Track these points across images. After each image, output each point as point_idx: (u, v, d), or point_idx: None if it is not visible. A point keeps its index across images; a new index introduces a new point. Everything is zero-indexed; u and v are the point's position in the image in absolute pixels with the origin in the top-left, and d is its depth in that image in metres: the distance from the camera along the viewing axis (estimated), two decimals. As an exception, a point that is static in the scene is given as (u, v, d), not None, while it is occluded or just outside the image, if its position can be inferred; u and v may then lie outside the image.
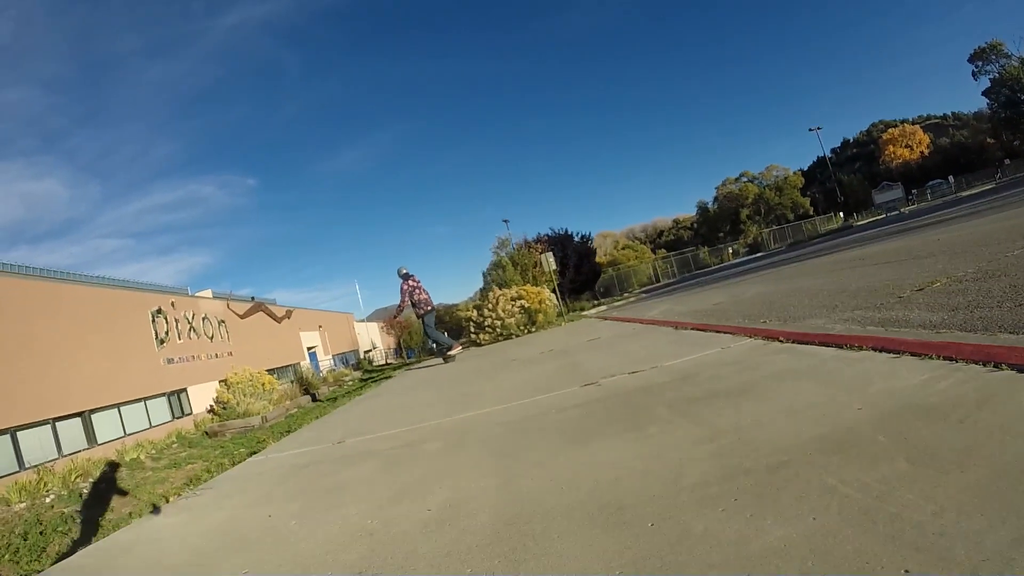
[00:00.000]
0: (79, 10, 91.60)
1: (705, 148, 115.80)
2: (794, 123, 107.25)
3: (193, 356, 18.52)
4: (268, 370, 23.08)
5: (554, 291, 16.52)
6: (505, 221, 38.82)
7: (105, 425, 14.47)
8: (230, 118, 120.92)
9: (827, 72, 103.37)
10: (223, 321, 20.82)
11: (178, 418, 17.02)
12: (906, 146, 68.81)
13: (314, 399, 17.12)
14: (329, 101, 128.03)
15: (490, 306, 14.86)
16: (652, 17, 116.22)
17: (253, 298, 24.46)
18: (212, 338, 19.92)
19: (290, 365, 26.40)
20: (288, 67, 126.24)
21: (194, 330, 18.92)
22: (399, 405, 6.83)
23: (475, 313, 15.03)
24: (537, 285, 16.20)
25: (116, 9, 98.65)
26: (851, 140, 78.49)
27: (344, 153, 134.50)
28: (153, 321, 17.05)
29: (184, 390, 17.66)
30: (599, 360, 5.70)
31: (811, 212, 63.56)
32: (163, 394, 16.71)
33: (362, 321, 44.22)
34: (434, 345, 12.88)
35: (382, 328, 47.20)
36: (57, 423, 13.16)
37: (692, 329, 6.06)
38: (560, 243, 24.58)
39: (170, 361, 17.32)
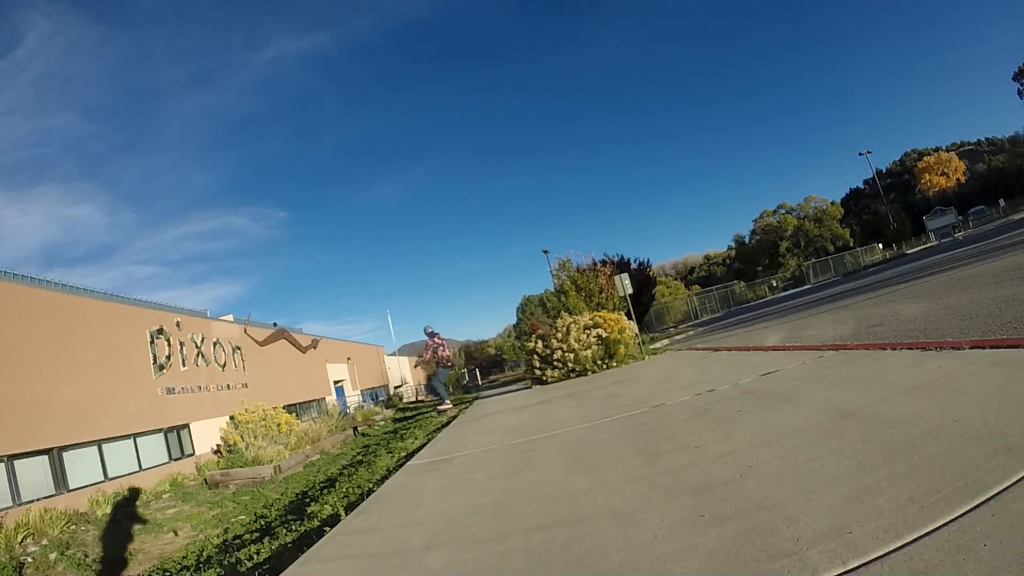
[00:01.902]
0: (122, 41, 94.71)
1: (736, 183, 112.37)
2: (820, 156, 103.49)
3: (200, 386, 15.82)
4: (289, 406, 20.34)
5: (629, 318, 13.39)
6: (545, 251, 35.79)
7: (81, 466, 11.71)
8: (265, 150, 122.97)
9: (857, 103, 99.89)
10: (239, 348, 18.21)
11: (177, 459, 14.20)
12: (942, 174, 66.92)
13: (355, 432, 14.15)
14: (364, 135, 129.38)
15: (559, 336, 11.83)
16: (675, 56, 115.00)
17: (276, 324, 21.93)
18: (224, 366, 17.26)
19: (314, 400, 23.60)
20: (324, 101, 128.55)
21: (203, 356, 16.28)
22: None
23: (539, 344, 12.00)
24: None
25: (158, 41, 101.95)
26: (884, 170, 76.37)
27: (377, 187, 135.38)
28: (152, 342, 14.46)
29: (186, 426, 14.90)
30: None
31: (851, 243, 60.51)
32: (159, 430, 13.97)
33: (393, 355, 41.46)
34: (436, 390, 13.45)
35: (413, 364, 44.27)
36: (15, 460, 10.47)
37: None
38: (619, 269, 21.41)
39: (170, 391, 14.63)
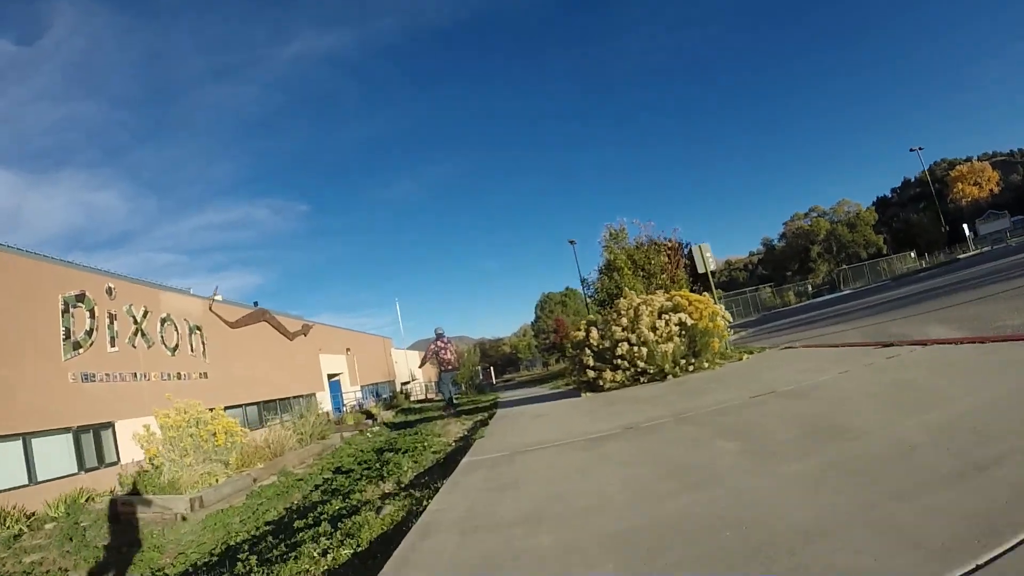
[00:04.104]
0: (149, 32, 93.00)
1: (753, 190, 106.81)
2: (841, 166, 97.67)
3: (135, 374, 12.15)
4: (267, 403, 16.64)
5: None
6: (572, 242, 31.89)
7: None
8: (287, 144, 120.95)
9: (885, 110, 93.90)
10: (198, 328, 14.51)
11: (91, 470, 10.55)
12: (975, 183, 64.49)
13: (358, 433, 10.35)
14: (385, 132, 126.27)
15: (625, 321, 7.86)
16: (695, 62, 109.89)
17: (256, 304, 18.25)
18: (176, 350, 13.57)
19: (302, 396, 19.88)
20: (347, 98, 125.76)
21: (143, 335, 12.60)
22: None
23: (594, 333, 8.03)
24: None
25: (184, 32, 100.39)
26: (913, 179, 73.73)
27: (397, 183, 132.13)
28: (67, 312, 10.79)
29: (109, 425, 11.24)
30: None
31: (885, 250, 58.27)
32: (65, 430, 10.32)
33: (402, 350, 37.69)
34: (446, 392, 12.57)
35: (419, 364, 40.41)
36: None
37: None
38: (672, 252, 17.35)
39: (88, 378, 10.96)
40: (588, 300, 14.42)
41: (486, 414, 9.87)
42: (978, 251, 39.02)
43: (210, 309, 15.14)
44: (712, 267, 10.35)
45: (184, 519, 7.67)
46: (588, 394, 8.04)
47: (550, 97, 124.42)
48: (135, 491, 8.88)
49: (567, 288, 57.25)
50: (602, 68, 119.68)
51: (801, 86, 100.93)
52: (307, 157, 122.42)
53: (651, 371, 7.76)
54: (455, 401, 12.65)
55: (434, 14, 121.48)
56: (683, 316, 7.94)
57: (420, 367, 26.54)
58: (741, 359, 8.53)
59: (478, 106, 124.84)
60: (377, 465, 6.88)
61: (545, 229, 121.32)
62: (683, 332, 7.92)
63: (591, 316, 8.90)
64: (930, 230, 56.92)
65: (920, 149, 50.83)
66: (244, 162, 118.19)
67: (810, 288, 53.43)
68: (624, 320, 7.98)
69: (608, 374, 7.78)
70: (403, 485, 5.11)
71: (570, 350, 8.99)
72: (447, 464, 5.25)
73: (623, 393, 7.35)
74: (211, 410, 9.47)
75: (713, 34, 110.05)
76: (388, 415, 18.17)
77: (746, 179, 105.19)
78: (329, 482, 7.41)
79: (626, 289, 9.15)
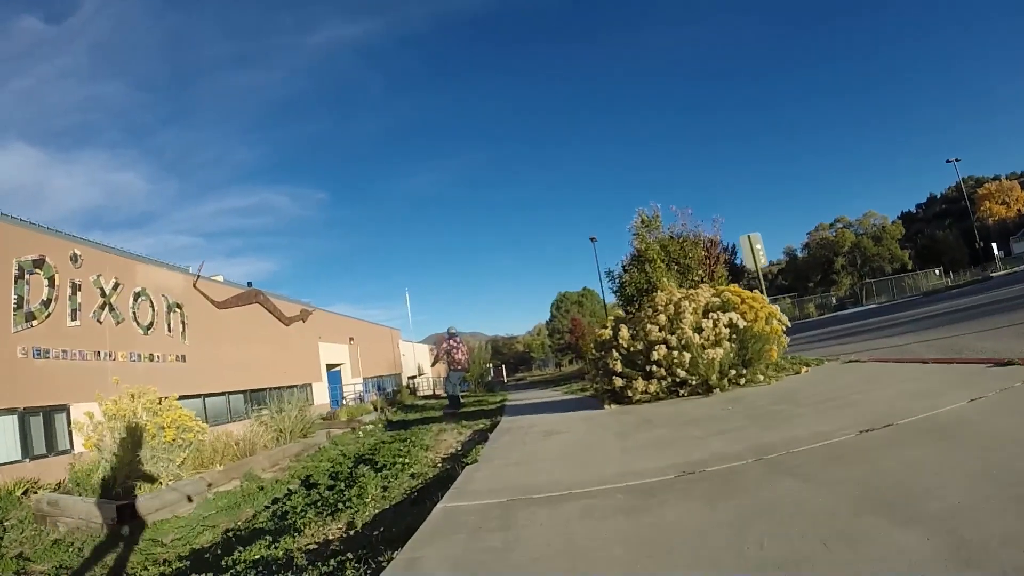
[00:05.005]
0: (175, 15, 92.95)
1: (780, 195, 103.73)
2: (858, 180, 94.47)
3: (98, 352, 10.84)
4: (255, 391, 15.31)
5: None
6: (592, 239, 30.13)
7: None
8: (308, 132, 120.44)
9: (914, 125, 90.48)
10: (179, 306, 13.18)
11: (37, 458, 9.24)
12: (1002, 202, 63.59)
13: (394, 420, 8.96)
14: (407, 124, 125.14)
15: (663, 319, 6.28)
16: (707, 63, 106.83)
17: (250, 284, 16.92)
18: (150, 328, 12.25)
19: (296, 386, 18.53)
20: (370, 88, 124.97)
21: (112, 309, 11.29)
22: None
23: (624, 333, 6.45)
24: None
25: (210, 16, 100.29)
26: (938, 196, 73.45)
27: (416, 175, 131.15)
28: (21, 278, 9.49)
29: (64, 409, 9.92)
30: None
31: (910, 266, 57.44)
32: (10, 411, 9.02)
33: (410, 342, 36.31)
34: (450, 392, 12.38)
35: (431, 350, 38.72)
36: None
37: None
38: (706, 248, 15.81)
39: (40, 353, 9.66)
40: (612, 294, 12.80)
41: (489, 421, 8.37)
42: (1009, 271, 37.59)
43: (194, 286, 13.81)
44: (763, 262, 8.74)
45: (108, 532, 6.26)
46: (613, 406, 6.48)
47: (576, 91, 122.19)
48: (67, 490, 7.52)
49: (584, 288, 55.65)
50: (630, 63, 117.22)
51: (830, 93, 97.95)
52: (328, 145, 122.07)
53: (693, 382, 6.19)
54: (461, 400, 12.40)
55: (462, 3, 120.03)
56: (734, 316, 6.36)
57: (432, 366, 25.24)
58: (799, 372, 6.97)
59: (501, 98, 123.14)
60: (341, 487, 5.38)
61: (565, 226, 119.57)
62: (733, 336, 6.33)
63: (618, 312, 7.32)
64: (955, 248, 56.32)
65: (957, 160, 48.91)
66: (266, 148, 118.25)
67: (833, 300, 52.07)
68: (662, 318, 6.41)
69: (640, 383, 6.22)
70: (353, 531, 3.62)
71: (592, 352, 7.42)
72: (419, 501, 3.77)
73: (659, 409, 5.79)
74: (162, 399, 8.04)
75: (746, 34, 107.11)
76: (386, 412, 16.72)
77: (770, 186, 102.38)
78: (284, 500, 5.93)
79: (663, 281, 7.58)
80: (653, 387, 6.13)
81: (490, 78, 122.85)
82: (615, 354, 6.44)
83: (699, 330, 6.14)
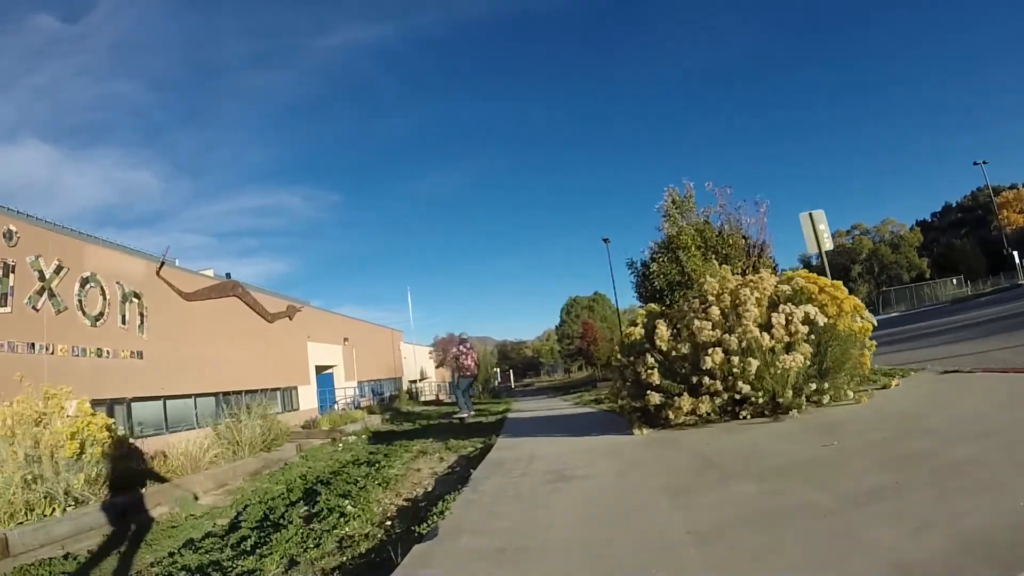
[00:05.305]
0: (192, 15, 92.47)
1: (795, 200, 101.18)
2: (873, 188, 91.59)
3: (32, 344, 9.26)
4: (226, 394, 13.75)
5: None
6: (606, 240, 28.12)
7: None
8: (323, 133, 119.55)
9: (931, 134, 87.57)
10: (137, 296, 11.61)
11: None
12: (1020, 211, 61.64)
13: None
14: (421, 127, 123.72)
15: (716, 314, 4.55)
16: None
17: (228, 275, 15.35)
18: (100, 319, 10.68)
19: (280, 389, 16.95)
20: (385, 91, 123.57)
21: (52, 295, 9.72)
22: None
23: (662, 331, 4.72)
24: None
25: (228, 17, 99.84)
26: (954, 205, 71.81)
27: (430, 179, 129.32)
28: (-75, 255, 7.93)
29: (-20, 412, 8.31)
30: None
31: (928, 274, 56.75)
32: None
33: (411, 344, 34.62)
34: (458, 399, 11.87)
35: (430, 353, 36.60)
36: None
37: None
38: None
39: (-52, 346, 8.09)
40: (633, 291, 11.03)
41: (481, 442, 6.68)
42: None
43: (158, 274, 12.20)
44: (827, 245, 7.00)
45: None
46: (646, 431, 4.77)
47: (591, 94, 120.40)
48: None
49: (596, 293, 53.73)
50: (647, 71, 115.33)
51: (844, 97, 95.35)
52: (343, 147, 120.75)
53: (758, 400, 4.45)
54: (471, 406, 12.03)
55: (478, 7, 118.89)
56: (810, 310, 4.62)
57: (436, 368, 23.63)
58: (887, 386, 5.33)
59: (516, 101, 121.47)
60: (269, 527, 3.70)
61: (577, 230, 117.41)
62: (811, 336, 4.60)
63: (651, 306, 5.58)
64: (972, 256, 55.50)
65: (984, 163, 46.57)
66: (280, 150, 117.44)
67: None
68: (715, 311, 4.68)
69: (686, 400, 4.49)
70: None
71: (617, 357, 5.64)
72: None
73: (717, 440, 4.07)
74: (62, 406, 6.39)
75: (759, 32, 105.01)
76: (376, 421, 15.06)
77: (786, 190, 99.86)
78: (195, 547, 4.26)
79: (721, 267, 5.81)
80: (704, 406, 4.40)
81: (504, 82, 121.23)
82: (649, 360, 4.71)
83: (766, 328, 4.41)
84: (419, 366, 35.99)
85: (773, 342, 4.36)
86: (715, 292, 4.89)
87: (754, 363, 4.19)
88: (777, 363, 4.29)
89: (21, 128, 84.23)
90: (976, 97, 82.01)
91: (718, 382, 4.31)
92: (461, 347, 11.74)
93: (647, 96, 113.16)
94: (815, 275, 5.28)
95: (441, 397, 30.60)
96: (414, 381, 33.09)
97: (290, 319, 18.11)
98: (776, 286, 4.90)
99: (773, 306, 4.75)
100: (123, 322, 11.13)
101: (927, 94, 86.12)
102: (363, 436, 11.45)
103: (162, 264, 12.40)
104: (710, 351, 4.32)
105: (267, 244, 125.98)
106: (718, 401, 4.42)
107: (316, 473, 7.45)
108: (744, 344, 4.35)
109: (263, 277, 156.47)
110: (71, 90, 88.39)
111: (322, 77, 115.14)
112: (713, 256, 8.52)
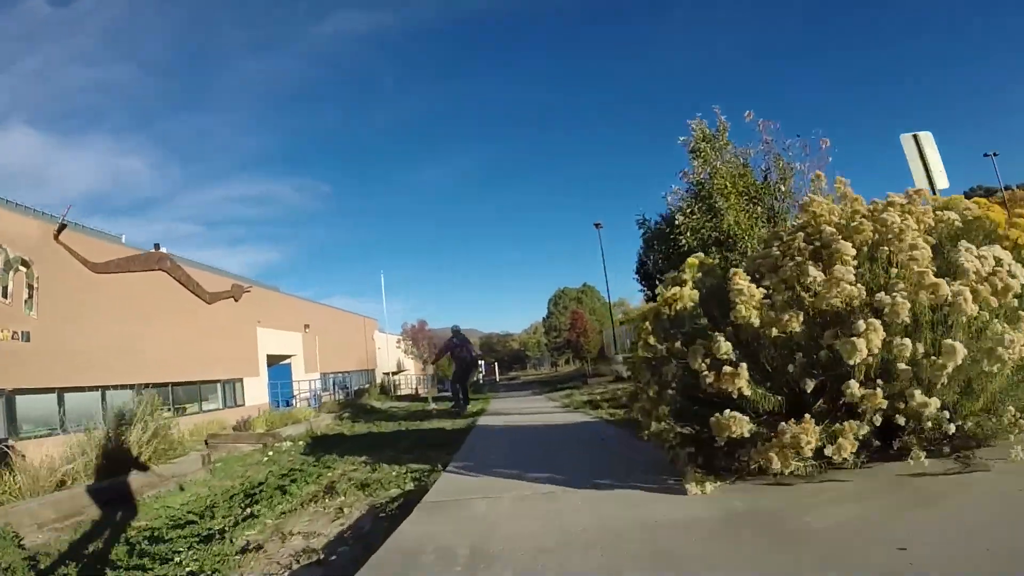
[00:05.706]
0: (186, 1, 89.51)
1: None
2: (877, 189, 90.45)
3: None
4: (153, 386, 11.48)
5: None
6: (597, 225, 25.73)
7: None
8: (317, 122, 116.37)
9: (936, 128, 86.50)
10: (25, 263, 9.21)
11: None
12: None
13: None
14: (416, 118, 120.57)
15: (849, 260, 2.45)
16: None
17: (157, 246, 12.95)
18: (-41, 289, 8.29)
19: (220, 381, 14.60)
20: (381, 80, 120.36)
21: None
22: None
23: (748, 289, 2.60)
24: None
25: (221, 2, 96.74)
26: None
27: (423, 170, 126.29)
28: None
29: None
30: None
31: None
32: None
33: (385, 334, 32.30)
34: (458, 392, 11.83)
35: (399, 342, 33.46)
36: None
37: None
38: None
39: None
40: (644, 258, 8.85)
41: (419, 476, 4.51)
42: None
43: (55, 238, 9.85)
44: (943, 183, 4.94)
45: None
46: (709, 486, 2.59)
47: (583, 86, 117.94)
48: None
49: (584, 284, 51.72)
50: (637, 61, 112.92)
51: (840, 89, 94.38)
52: (335, 137, 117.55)
53: (941, 425, 2.30)
54: (469, 398, 12.31)
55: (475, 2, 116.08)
56: (1003, 255, 2.50)
57: (434, 363, 21.51)
58: None
59: (509, 93, 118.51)
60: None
61: (566, 221, 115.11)
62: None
63: (703, 257, 3.42)
64: None
65: (995, 155, 44.98)
66: (272, 138, 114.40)
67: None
68: (847, 249, 2.52)
69: (808, 431, 2.29)
70: None
71: (645, 339, 3.36)
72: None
73: (900, 519, 1.92)
74: None
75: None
76: (325, 421, 12.78)
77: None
78: None
79: (819, 202, 3.64)
80: (847, 442, 2.24)
81: (503, 75, 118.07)
82: (722, 346, 2.54)
83: (985, 279, 2.29)
84: (396, 358, 33.68)
85: (981, 300, 2.24)
86: (833, 221, 2.77)
87: (959, 348, 2.07)
88: (997, 348, 2.16)
89: (11, 114, 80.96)
90: (974, 96, 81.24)
91: (878, 391, 2.17)
92: (454, 340, 11.93)
93: (642, 86, 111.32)
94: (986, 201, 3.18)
95: (420, 391, 28.34)
96: (389, 374, 30.78)
97: (235, 300, 15.76)
98: (935, 213, 2.80)
99: (934, 251, 2.66)
100: (4, 296, 8.77)
101: (926, 89, 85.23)
102: (300, 442, 9.20)
103: (61, 227, 10.05)
104: (858, 325, 2.19)
105: (256, 233, 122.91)
106: (863, 431, 2.29)
107: (202, 504, 5.24)
108: (920, 312, 2.24)
109: (253, 267, 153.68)
110: (64, 75, 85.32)
111: (317, 65, 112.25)
112: (758, 209, 6.42)
